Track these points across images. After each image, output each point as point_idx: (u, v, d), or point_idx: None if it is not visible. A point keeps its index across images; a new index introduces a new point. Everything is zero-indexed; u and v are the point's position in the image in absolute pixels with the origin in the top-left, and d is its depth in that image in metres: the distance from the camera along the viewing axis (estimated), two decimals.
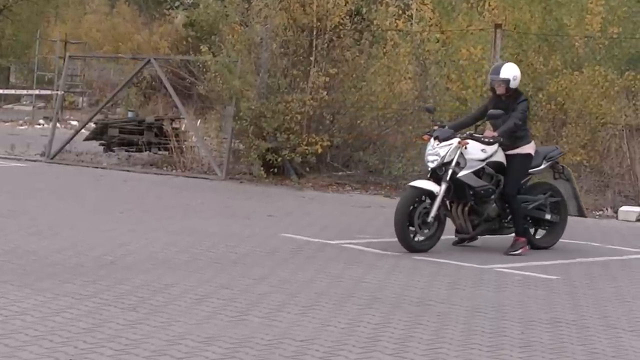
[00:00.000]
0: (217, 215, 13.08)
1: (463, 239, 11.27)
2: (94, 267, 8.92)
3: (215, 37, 18.43)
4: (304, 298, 8.02)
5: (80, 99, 37.82)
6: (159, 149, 20.37)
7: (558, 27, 17.83)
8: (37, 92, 33.80)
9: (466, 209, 10.93)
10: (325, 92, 17.29)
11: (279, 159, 17.14)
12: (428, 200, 10.61)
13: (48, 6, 45.09)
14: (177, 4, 41.37)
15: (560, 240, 11.57)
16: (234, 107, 17.53)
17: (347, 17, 17.76)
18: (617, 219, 14.77)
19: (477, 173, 10.83)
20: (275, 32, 17.62)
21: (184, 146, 19.29)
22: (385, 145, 17.81)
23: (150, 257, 9.55)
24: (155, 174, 18.32)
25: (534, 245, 11.20)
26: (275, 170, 17.23)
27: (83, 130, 21.29)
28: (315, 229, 12.07)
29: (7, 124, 30.72)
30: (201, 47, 18.06)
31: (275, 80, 17.49)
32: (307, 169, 17.35)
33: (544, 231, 11.55)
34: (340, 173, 17.65)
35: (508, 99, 10.99)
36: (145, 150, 20.61)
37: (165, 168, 18.87)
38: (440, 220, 10.68)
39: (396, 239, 10.56)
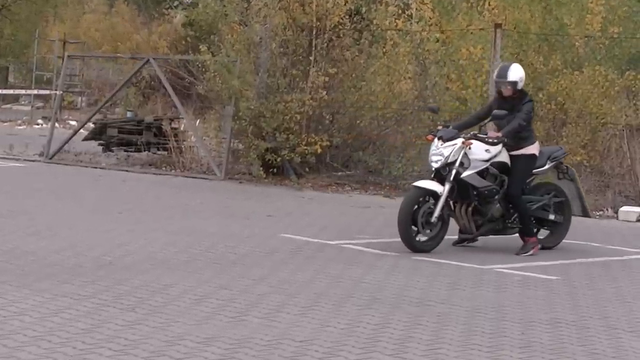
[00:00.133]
0: (216, 215, 13.06)
1: (463, 239, 11.25)
2: (92, 267, 8.90)
3: (215, 37, 18.41)
4: (303, 298, 8.00)
5: (79, 98, 37.83)
6: (158, 149, 20.36)
7: (558, 27, 17.83)
8: (35, 91, 33.80)
9: (470, 209, 10.93)
10: (325, 92, 17.27)
11: (278, 159, 17.13)
12: (432, 201, 10.60)
13: (47, 6, 45.09)
14: (176, 3, 41.37)
15: None
16: (233, 107, 17.51)
17: (347, 17, 17.74)
18: (617, 219, 14.77)
19: (481, 173, 10.82)
20: (275, 31, 17.61)
21: (183, 146, 19.27)
22: (384, 145, 17.79)
23: (149, 258, 9.53)
24: (154, 174, 18.30)
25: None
26: (275, 170, 17.21)
27: (82, 130, 21.29)
28: (315, 229, 12.05)
29: (5, 123, 30.71)
30: (200, 46, 18.04)
31: (275, 80, 17.48)
32: (307, 169, 17.34)
33: (547, 231, 11.55)
34: (339, 173, 17.63)
35: (513, 100, 10.98)
36: (144, 150, 20.60)
37: (164, 168, 18.85)
38: (443, 221, 10.67)
39: (396, 239, 10.54)
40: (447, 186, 10.63)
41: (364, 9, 18.32)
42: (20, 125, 30.62)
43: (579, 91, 16.54)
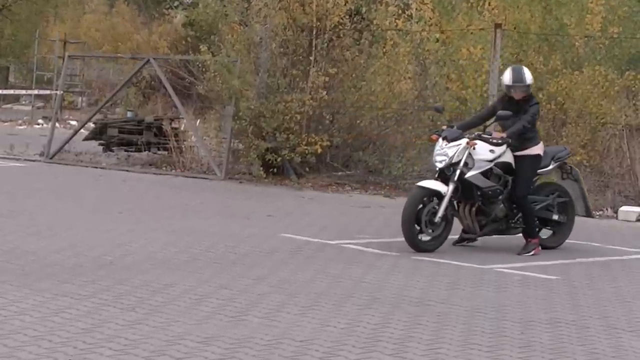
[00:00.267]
0: (217, 215, 13.06)
1: (464, 239, 11.27)
2: (93, 267, 8.90)
3: (215, 37, 18.42)
4: (303, 298, 8.01)
5: (80, 98, 37.83)
6: (158, 149, 20.37)
7: (558, 27, 17.83)
8: (36, 91, 33.79)
9: (474, 209, 10.94)
10: (325, 92, 17.28)
11: (279, 159, 17.13)
12: (435, 201, 10.61)
13: (47, 6, 45.10)
14: (176, 3, 41.40)
15: None
16: (233, 107, 17.52)
17: (347, 17, 17.74)
18: (617, 219, 14.77)
19: (485, 174, 10.84)
20: (275, 31, 17.61)
21: (183, 146, 19.28)
22: (384, 145, 17.80)
23: (149, 257, 9.53)
24: (154, 173, 18.31)
25: (541, 245, 11.20)
26: (275, 170, 17.22)
27: (82, 130, 21.29)
28: (315, 229, 12.06)
29: (6, 123, 30.73)
30: (200, 46, 18.04)
31: (275, 80, 17.48)
32: (307, 169, 17.34)
33: (549, 231, 11.56)
34: (339, 173, 17.64)
35: (522, 102, 11.00)
36: (145, 150, 20.61)
37: (164, 168, 18.86)
38: (447, 221, 10.69)
39: (396, 239, 10.55)
40: (451, 186, 10.64)
41: (364, 9, 18.32)
42: (20, 125, 30.64)
43: (578, 91, 16.55)
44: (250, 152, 17.23)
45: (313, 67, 17.36)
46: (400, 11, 18.84)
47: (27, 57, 42.98)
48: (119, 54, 29.81)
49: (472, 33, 17.88)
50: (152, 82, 25.10)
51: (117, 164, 19.76)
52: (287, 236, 11.32)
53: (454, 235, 11.13)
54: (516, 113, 10.90)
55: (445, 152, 10.71)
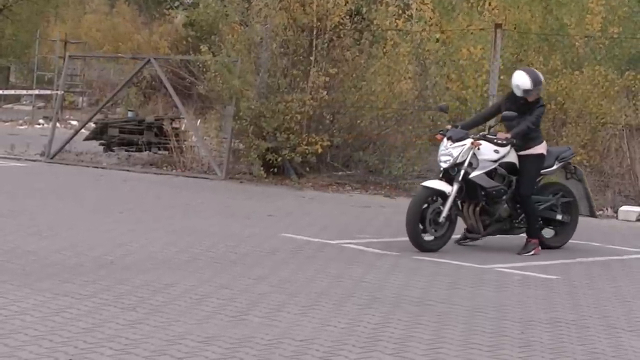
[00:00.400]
0: (217, 215, 13.07)
1: (465, 238, 11.28)
2: (93, 267, 8.91)
3: (215, 37, 18.41)
4: (303, 298, 8.02)
5: (80, 98, 37.83)
6: (159, 149, 20.37)
7: (558, 27, 17.84)
8: (36, 91, 33.79)
9: (478, 209, 10.96)
10: (325, 92, 17.28)
11: (279, 159, 17.14)
12: (440, 200, 10.62)
13: (48, 6, 45.09)
14: (176, 3, 41.42)
15: None
16: (233, 107, 17.52)
17: (347, 17, 17.75)
18: (617, 218, 14.77)
19: (490, 174, 10.85)
20: (275, 31, 17.62)
21: (183, 146, 19.28)
22: (385, 145, 17.80)
23: (150, 257, 9.54)
24: (155, 173, 18.32)
25: (544, 245, 11.21)
26: (275, 170, 17.22)
27: (83, 130, 21.28)
28: (315, 228, 12.07)
29: (6, 123, 30.72)
30: (201, 46, 18.04)
31: (275, 80, 17.48)
32: (307, 168, 17.35)
33: (552, 231, 11.57)
34: (340, 173, 17.64)
35: (531, 104, 11.01)
36: (145, 150, 20.61)
37: (165, 168, 18.86)
38: (451, 221, 10.70)
39: (396, 239, 10.56)
40: (456, 186, 10.65)
41: (364, 9, 18.32)
42: (21, 125, 30.63)
43: (578, 91, 16.55)
44: (250, 152, 17.24)
45: (313, 67, 17.37)
46: (400, 11, 18.83)
47: (28, 57, 42.97)
48: (119, 54, 29.82)
49: (472, 33, 17.90)
50: (153, 82, 25.10)
51: (117, 163, 19.76)
52: (288, 236, 11.33)
53: (454, 235, 11.13)
54: (521, 113, 10.91)
55: (449, 152, 10.73)
